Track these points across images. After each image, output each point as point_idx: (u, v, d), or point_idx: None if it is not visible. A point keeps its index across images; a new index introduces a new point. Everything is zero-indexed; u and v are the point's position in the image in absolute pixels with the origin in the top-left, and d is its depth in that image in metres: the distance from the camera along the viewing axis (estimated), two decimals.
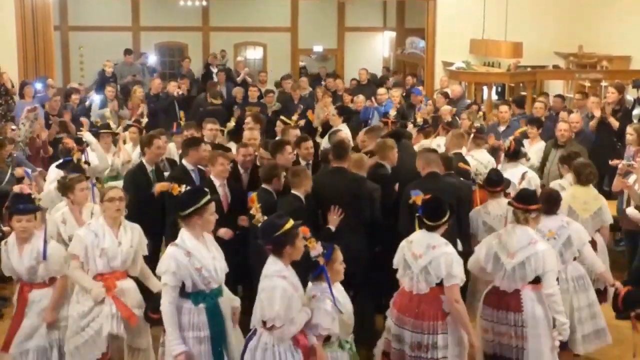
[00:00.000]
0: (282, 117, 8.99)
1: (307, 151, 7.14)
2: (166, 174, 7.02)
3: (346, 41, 19.95)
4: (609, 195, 8.36)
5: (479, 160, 7.59)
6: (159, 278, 4.70)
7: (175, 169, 6.87)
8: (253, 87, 12.29)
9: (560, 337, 5.20)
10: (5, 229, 7.18)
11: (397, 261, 5.14)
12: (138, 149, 8.46)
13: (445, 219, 5.02)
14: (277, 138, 7.81)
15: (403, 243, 5.13)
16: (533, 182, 7.14)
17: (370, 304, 6.07)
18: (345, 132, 8.65)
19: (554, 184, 6.86)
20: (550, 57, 13.64)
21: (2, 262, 5.35)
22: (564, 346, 5.54)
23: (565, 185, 6.72)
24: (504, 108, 9.89)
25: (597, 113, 9.23)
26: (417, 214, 5.05)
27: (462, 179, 6.70)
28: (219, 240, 5.19)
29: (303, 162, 7.01)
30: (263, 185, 6.13)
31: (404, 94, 12.16)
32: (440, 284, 4.90)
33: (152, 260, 5.45)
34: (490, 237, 5.42)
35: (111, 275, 5.13)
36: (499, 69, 13.21)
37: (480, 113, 10.07)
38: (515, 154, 7.41)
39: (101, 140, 7.97)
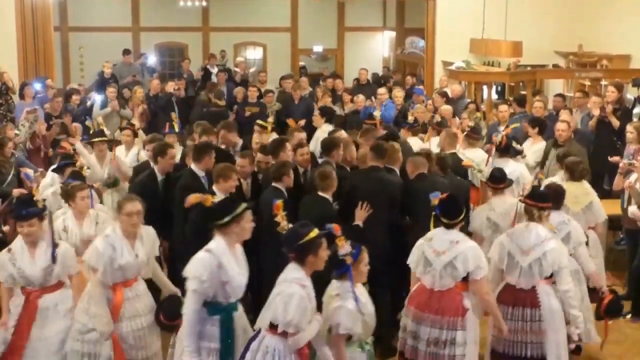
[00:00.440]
0: (258, 121, 8.70)
1: (302, 157, 6.95)
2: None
3: (346, 41, 19.96)
4: (609, 194, 8.39)
5: (472, 158, 7.63)
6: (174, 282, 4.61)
7: (185, 175, 6.55)
8: (252, 87, 12.29)
9: (578, 330, 5.31)
10: (5, 228, 7.20)
11: (415, 260, 5.17)
12: (133, 150, 8.46)
13: (462, 217, 5.11)
14: (275, 137, 7.73)
15: (421, 241, 5.19)
16: (521, 179, 7.15)
17: (389, 302, 6.10)
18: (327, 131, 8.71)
19: (548, 181, 6.86)
20: (550, 56, 13.64)
21: (4, 273, 5.11)
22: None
23: (557, 181, 6.72)
24: (503, 107, 9.90)
25: (596, 112, 9.24)
26: (434, 213, 5.12)
27: (458, 177, 6.81)
28: None
29: (300, 170, 6.90)
30: (273, 184, 6.07)
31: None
32: (464, 279, 4.97)
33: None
34: (501, 237, 5.48)
35: (124, 283, 5.09)
36: (499, 69, 13.20)
37: (479, 114, 10.05)
38: (506, 149, 7.40)
39: (95, 147, 7.79)
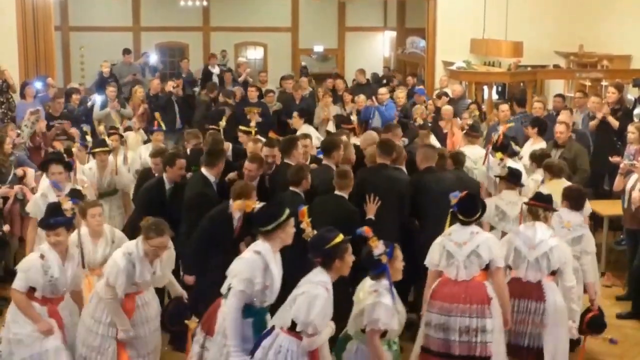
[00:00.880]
0: (241, 127, 8.54)
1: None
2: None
3: (347, 41, 19.97)
4: (610, 195, 8.40)
5: (470, 156, 7.68)
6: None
7: (197, 181, 6.42)
8: (252, 87, 12.29)
9: (576, 324, 5.53)
10: (5, 228, 7.21)
11: (436, 257, 5.25)
12: (120, 157, 8.29)
13: (479, 215, 5.24)
14: (288, 136, 7.67)
15: (439, 239, 5.30)
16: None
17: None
18: (310, 132, 8.78)
19: (529, 181, 7.10)
20: (550, 57, 13.63)
21: (33, 277, 4.97)
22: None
23: (538, 179, 7.03)
24: (504, 107, 9.92)
25: (600, 114, 9.22)
26: (452, 210, 5.23)
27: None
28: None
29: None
30: (291, 188, 6.00)
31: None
32: (484, 269, 5.10)
33: None
34: (508, 236, 5.67)
35: (136, 292, 5.06)
36: (500, 69, 13.20)
37: (475, 111, 10.04)
38: (502, 147, 7.46)
39: (97, 157, 7.69)
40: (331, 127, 10.22)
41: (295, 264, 4.73)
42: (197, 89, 14.43)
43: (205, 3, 18.73)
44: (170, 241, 5.15)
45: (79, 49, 18.31)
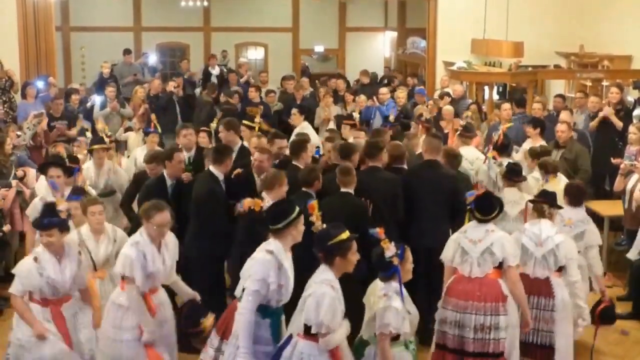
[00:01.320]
0: (244, 122, 8.56)
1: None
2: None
3: (347, 41, 19.98)
4: (610, 195, 8.39)
5: (466, 157, 7.69)
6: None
7: (206, 179, 6.34)
8: (253, 87, 12.29)
9: (585, 322, 5.69)
10: (5, 228, 7.20)
11: (451, 253, 5.32)
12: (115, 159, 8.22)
13: (495, 213, 5.29)
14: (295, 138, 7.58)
15: (455, 235, 5.38)
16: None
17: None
18: (309, 131, 8.82)
19: (530, 178, 7.15)
20: (551, 57, 13.63)
21: (29, 281, 4.94)
22: None
23: (538, 177, 7.10)
24: (505, 106, 9.91)
25: (603, 114, 9.20)
26: (469, 208, 5.30)
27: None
28: None
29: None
30: (303, 189, 6.00)
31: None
32: (498, 267, 5.14)
33: None
34: (516, 234, 5.69)
35: (151, 290, 4.99)
36: (500, 69, 13.20)
37: (469, 112, 10.04)
38: (503, 148, 7.49)
39: (95, 154, 7.63)
40: (332, 127, 10.22)
41: (305, 263, 4.68)
42: (198, 90, 14.44)
43: (205, 3, 18.74)
44: (173, 235, 5.14)
45: (80, 49, 18.35)
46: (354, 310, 4.64)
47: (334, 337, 4.26)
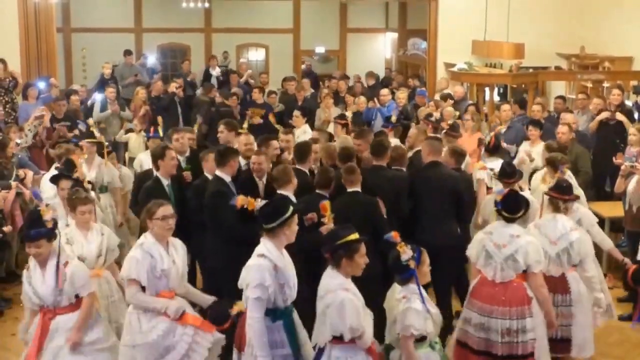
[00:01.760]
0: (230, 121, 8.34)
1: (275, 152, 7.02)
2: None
3: (348, 42, 19.97)
4: (611, 196, 8.39)
5: None
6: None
7: (213, 182, 6.26)
8: (256, 88, 12.29)
9: (602, 309, 5.77)
10: (5, 229, 7.22)
11: (475, 253, 5.35)
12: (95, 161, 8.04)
13: (522, 212, 5.29)
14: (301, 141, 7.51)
15: (481, 235, 5.38)
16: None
17: None
18: (308, 135, 8.80)
19: (537, 174, 7.29)
20: (552, 58, 13.64)
21: (23, 292, 4.98)
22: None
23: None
24: (505, 107, 9.93)
25: (607, 114, 9.20)
26: (496, 207, 5.31)
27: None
28: None
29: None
30: (317, 191, 5.96)
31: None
32: (522, 272, 5.16)
33: None
34: (528, 229, 5.67)
35: (169, 292, 4.91)
36: (501, 70, 13.20)
37: (456, 112, 10.04)
38: (495, 149, 7.55)
39: (85, 150, 7.61)
40: (332, 128, 10.23)
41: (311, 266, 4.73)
42: (199, 91, 14.45)
43: (207, 4, 18.68)
44: (179, 240, 5.11)
45: (81, 50, 18.35)
46: (374, 315, 4.57)
47: (368, 333, 4.28)
